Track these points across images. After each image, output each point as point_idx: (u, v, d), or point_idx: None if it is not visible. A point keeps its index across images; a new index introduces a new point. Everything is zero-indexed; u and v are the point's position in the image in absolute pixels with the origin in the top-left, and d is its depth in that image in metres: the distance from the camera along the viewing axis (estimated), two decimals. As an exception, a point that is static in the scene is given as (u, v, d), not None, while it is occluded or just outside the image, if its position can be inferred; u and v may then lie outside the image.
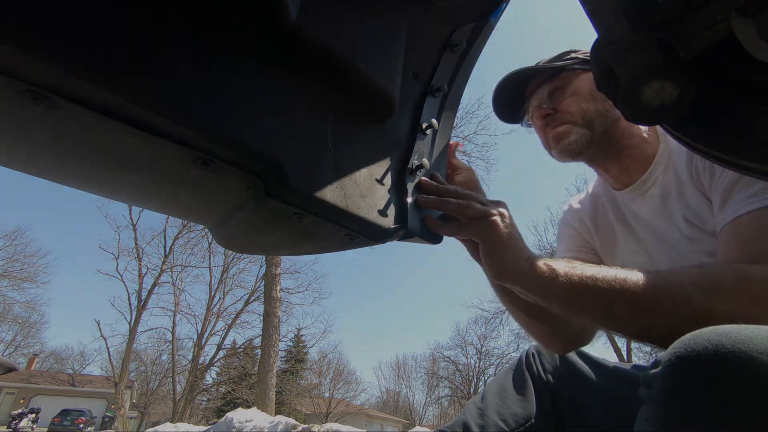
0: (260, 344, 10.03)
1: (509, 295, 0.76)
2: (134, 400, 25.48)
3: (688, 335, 0.40)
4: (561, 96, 0.88)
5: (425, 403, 31.96)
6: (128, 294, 19.41)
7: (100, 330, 19.31)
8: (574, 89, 0.87)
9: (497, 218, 0.59)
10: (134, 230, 19.46)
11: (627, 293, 0.53)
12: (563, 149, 0.86)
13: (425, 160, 0.63)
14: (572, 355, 0.87)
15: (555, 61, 0.90)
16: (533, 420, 0.79)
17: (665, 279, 0.53)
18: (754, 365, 0.35)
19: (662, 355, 0.41)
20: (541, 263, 0.58)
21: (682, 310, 0.50)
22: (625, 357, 14.61)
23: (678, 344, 0.40)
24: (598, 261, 0.97)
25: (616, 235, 0.92)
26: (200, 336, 21.37)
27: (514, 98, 0.95)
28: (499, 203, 0.63)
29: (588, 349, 0.88)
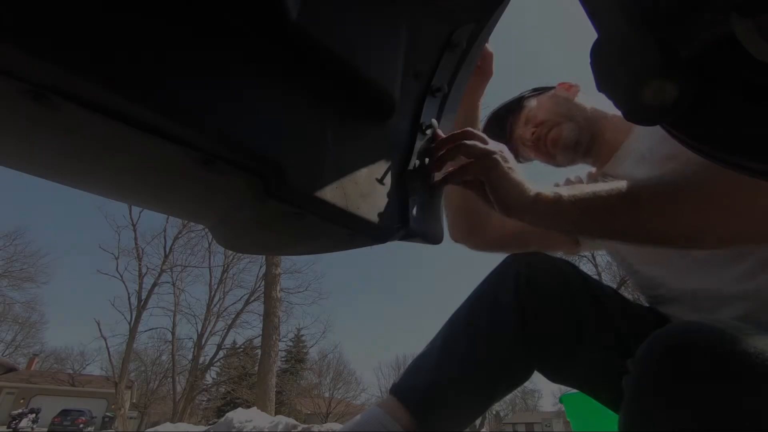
0: (260, 344, 10.03)
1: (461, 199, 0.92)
2: (134, 400, 25.47)
3: (665, 328, 0.42)
4: (532, 116, 1.01)
5: (425, 403, 31.85)
6: (128, 294, 19.43)
7: (100, 330, 19.34)
8: (539, 106, 1.01)
9: (498, 156, 0.63)
10: (134, 230, 19.47)
11: (625, 196, 0.56)
12: (564, 146, 0.96)
13: (426, 160, 0.63)
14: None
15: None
16: None
17: (656, 179, 0.57)
18: (720, 356, 0.37)
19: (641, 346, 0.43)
20: (545, 191, 0.62)
21: (674, 205, 0.54)
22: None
23: (655, 334, 0.42)
24: None
25: None
26: (200, 336, 21.37)
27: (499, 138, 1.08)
28: (499, 144, 0.66)
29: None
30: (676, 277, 0.79)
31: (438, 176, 0.65)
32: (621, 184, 0.57)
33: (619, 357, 0.46)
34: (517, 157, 1.09)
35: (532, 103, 1.03)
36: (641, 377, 0.41)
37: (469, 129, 0.66)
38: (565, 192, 0.61)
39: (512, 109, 1.06)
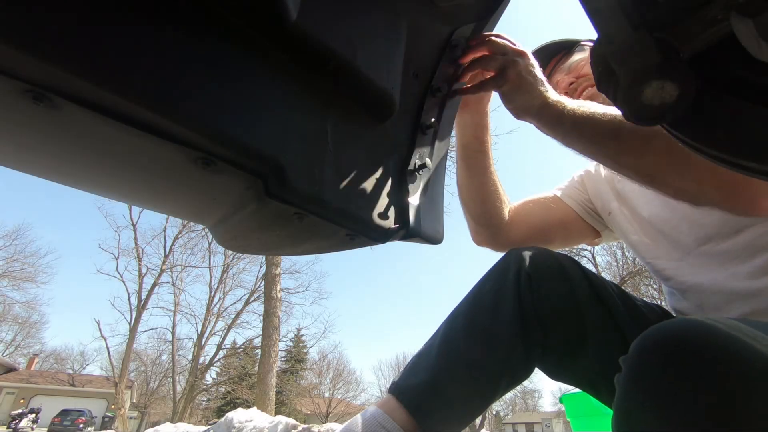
0: (260, 344, 10.02)
1: (470, 170, 0.93)
2: (134, 400, 25.49)
3: (657, 325, 0.41)
4: (579, 66, 0.98)
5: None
6: (128, 294, 19.42)
7: (100, 330, 19.33)
8: (589, 59, 0.95)
9: (510, 68, 0.70)
10: (134, 230, 19.46)
11: (611, 125, 0.63)
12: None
13: (428, 160, 0.63)
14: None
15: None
16: None
17: None
18: (712, 356, 0.36)
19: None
20: (554, 99, 0.68)
21: (644, 147, 0.61)
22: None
23: (646, 331, 0.41)
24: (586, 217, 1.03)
25: (619, 186, 0.97)
26: (200, 336, 21.36)
27: None
28: (519, 53, 0.72)
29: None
30: (686, 270, 0.79)
31: (461, 85, 0.71)
32: (613, 115, 0.63)
33: (621, 355, 0.45)
34: None
35: (585, 53, 1.00)
36: (630, 375, 0.40)
37: (499, 33, 0.73)
38: (570, 104, 0.67)
39: (563, 50, 1.04)
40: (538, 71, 0.72)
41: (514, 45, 0.72)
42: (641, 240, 0.89)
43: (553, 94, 0.70)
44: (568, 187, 1.07)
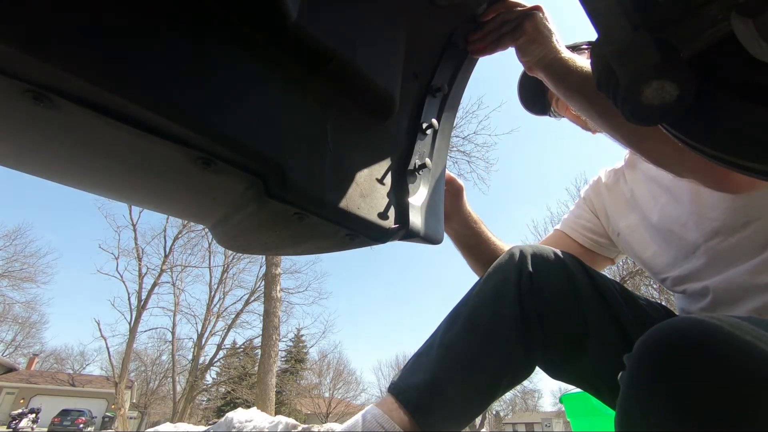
0: (260, 344, 10.02)
1: (467, 248, 0.96)
2: (134, 400, 25.48)
3: (661, 323, 0.41)
4: None
5: (425, 403, 31.81)
6: (128, 294, 19.36)
7: (100, 330, 19.29)
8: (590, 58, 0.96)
9: (527, 21, 0.72)
10: (134, 230, 19.42)
11: None
12: None
13: (428, 160, 0.63)
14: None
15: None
16: None
17: None
18: (716, 355, 0.36)
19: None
20: (565, 55, 0.70)
21: None
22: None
23: (650, 330, 0.41)
24: (593, 237, 1.04)
25: (628, 194, 0.98)
26: (200, 336, 21.32)
27: (536, 90, 1.06)
28: (535, 7, 0.74)
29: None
30: (696, 272, 0.79)
31: (481, 44, 0.73)
32: None
33: (623, 354, 0.45)
34: (547, 110, 1.09)
35: (583, 57, 1.01)
36: (634, 373, 0.40)
37: (499, 14, 0.73)
38: (579, 61, 0.68)
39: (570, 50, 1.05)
40: (552, 25, 0.73)
41: (517, 13, 0.74)
42: (652, 254, 0.89)
43: (564, 49, 0.71)
44: (570, 219, 1.08)
